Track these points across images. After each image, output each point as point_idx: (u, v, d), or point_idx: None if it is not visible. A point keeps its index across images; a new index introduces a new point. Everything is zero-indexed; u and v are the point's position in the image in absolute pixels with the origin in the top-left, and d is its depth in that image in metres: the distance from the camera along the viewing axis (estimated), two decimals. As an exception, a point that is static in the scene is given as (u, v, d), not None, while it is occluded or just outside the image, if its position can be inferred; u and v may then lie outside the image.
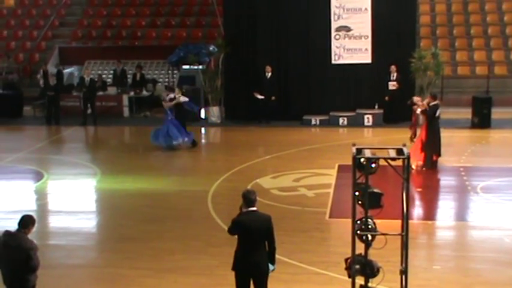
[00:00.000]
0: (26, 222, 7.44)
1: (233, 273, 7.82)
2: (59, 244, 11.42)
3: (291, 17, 21.65)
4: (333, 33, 21.56)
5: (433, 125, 15.46)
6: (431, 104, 15.47)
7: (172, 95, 18.72)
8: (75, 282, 9.79)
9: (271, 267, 7.83)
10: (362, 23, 21.36)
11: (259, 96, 21.43)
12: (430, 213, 12.93)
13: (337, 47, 21.61)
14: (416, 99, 16.22)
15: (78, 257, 10.79)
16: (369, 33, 21.36)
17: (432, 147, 15.47)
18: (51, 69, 25.78)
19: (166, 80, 26.33)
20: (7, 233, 7.42)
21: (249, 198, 7.71)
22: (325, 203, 13.17)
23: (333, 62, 21.66)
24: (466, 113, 20.81)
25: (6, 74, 25.98)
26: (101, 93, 23.39)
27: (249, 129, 20.86)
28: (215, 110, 22.25)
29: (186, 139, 18.50)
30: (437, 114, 15.53)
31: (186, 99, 18.86)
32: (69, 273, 10.05)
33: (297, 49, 21.68)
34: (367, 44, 21.43)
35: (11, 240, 7.32)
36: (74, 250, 11.06)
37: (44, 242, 11.38)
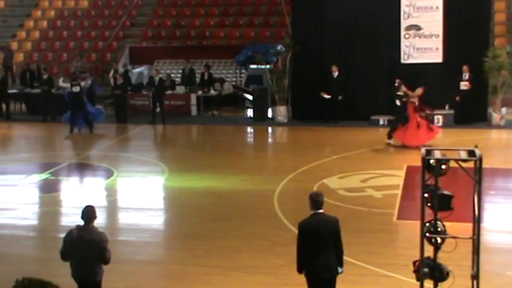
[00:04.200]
0: (91, 215, 7.54)
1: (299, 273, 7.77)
2: (128, 240, 11.61)
3: (360, 16, 21.46)
4: (403, 32, 21.26)
5: None
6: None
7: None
8: (143, 277, 9.92)
9: (339, 269, 7.75)
10: (433, 22, 20.98)
11: (326, 96, 21.29)
12: (502, 217, 12.56)
13: (406, 46, 21.30)
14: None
15: (146, 253, 10.94)
16: (440, 32, 20.97)
17: None
18: (120, 68, 26.30)
19: (234, 79, 26.52)
20: (80, 227, 7.53)
21: (316, 200, 7.60)
22: (393, 204, 12.98)
23: (402, 61, 21.36)
24: (541, 114, 20.22)
25: (79, 73, 26.58)
26: (169, 92, 23.71)
27: (316, 128, 20.76)
28: (282, 110, 22.24)
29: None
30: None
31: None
32: (138, 268, 10.20)
33: (366, 48, 21.46)
34: (438, 43, 21.04)
35: (86, 234, 7.43)
36: (143, 246, 11.21)
37: (113, 237, 11.57)
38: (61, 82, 22.77)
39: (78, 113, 20.99)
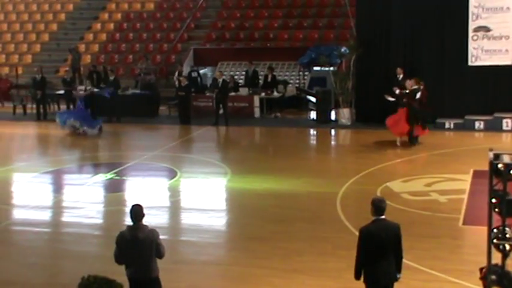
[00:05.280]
0: (140, 214, 7.56)
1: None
2: (190, 240, 11.69)
3: (427, 17, 21.09)
4: (471, 34, 20.82)
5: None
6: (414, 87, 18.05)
7: (83, 87, 22.26)
8: (204, 278, 9.97)
9: (397, 275, 7.63)
10: (503, 23, 20.47)
11: (390, 99, 20.95)
12: None
13: (474, 48, 20.85)
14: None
15: (208, 253, 11.00)
16: (511, 33, 20.43)
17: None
18: (186, 70, 26.57)
19: (297, 81, 26.46)
20: (131, 227, 7.54)
21: (378, 206, 7.49)
22: (459, 209, 12.69)
23: (470, 63, 20.92)
24: None
25: (145, 75, 26.99)
26: (232, 93, 23.83)
27: (380, 131, 20.49)
28: (346, 112, 22.08)
29: (87, 128, 21.51)
30: (417, 96, 18.04)
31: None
32: (200, 269, 10.26)
33: (432, 50, 21.09)
34: (508, 44, 20.52)
35: (139, 233, 7.47)
36: (205, 247, 11.27)
37: (176, 237, 11.74)
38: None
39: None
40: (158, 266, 7.67)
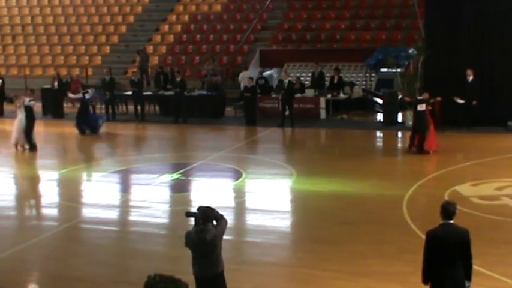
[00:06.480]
0: (209, 217, 7.54)
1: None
2: (255, 241, 11.69)
3: (498, 16, 20.55)
4: (545, 33, 20.20)
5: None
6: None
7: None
8: (269, 279, 9.96)
9: (466, 283, 7.41)
10: None
11: (460, 101, 20.57)
12: None
13: (549, 48, 20.21)
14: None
15: (273, 255, 10.97)
16: None
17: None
18: (253, 72, 26.65)
19: (364, 83, 26.20)
20: (199, 229, 7.51)
21: (447, 209, 7.31)
22: (531, 214, 12.33)
23: (544, 64, 20.30)
24: None
25: (211, 76, 27.20)
26: (298, 95, 23.77)
27: (449, 134, 20.10)
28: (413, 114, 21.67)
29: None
30: (418, 108, 17.85)
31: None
32: (264, 270, 10.25)
33: (504, 51, 20.52)
34: None
35: (207, 235, 7.45)
36: (269, 248, 11.25)
37: (241, 238, 11.76)
38: (70, 94, 24.37)
39: (84, 117, 22.43)
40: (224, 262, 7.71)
